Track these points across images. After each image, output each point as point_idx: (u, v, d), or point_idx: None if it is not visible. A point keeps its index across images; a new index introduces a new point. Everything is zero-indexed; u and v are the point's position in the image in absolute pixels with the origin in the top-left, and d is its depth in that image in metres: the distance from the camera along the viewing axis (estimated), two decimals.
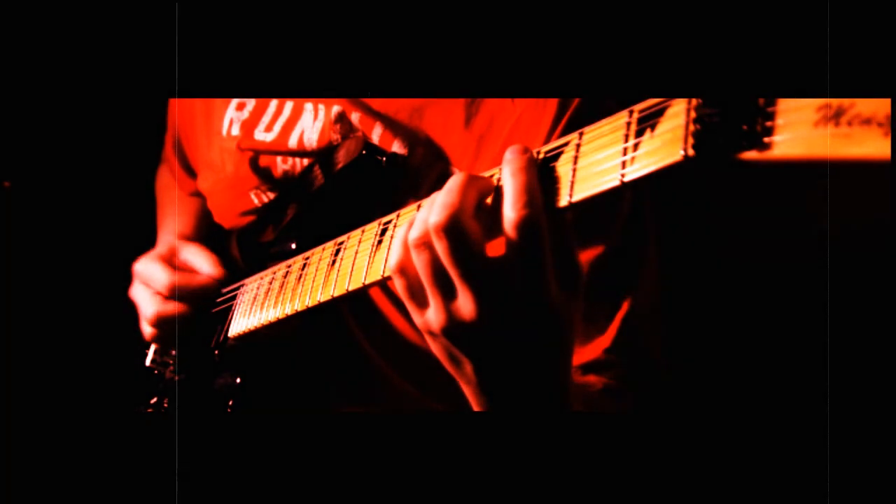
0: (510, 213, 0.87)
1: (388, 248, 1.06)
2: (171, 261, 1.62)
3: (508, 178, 0.89)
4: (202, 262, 1.60)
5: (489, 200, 0.95)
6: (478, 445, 1.12)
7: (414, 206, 1.07)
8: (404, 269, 0.96)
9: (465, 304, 0.90)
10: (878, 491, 1.06)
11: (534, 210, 0.87)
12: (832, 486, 1.05)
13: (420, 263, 0.93)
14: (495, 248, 0.92)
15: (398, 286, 0.98)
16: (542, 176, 0.91)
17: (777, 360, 1.75)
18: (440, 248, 0.90)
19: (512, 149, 0.91)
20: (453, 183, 0.92)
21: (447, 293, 0.92)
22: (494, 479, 1.13)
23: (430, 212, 0.91)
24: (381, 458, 1.21)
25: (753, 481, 1.10)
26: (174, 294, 1.56)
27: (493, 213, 0.93)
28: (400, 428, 1.23)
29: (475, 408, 1.00)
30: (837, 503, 1.06)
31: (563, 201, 0.88)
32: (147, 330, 1.62)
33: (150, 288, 1.60)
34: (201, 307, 1.58)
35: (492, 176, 0.97)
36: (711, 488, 1.11)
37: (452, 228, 0.88)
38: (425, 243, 0.91)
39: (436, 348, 0.98)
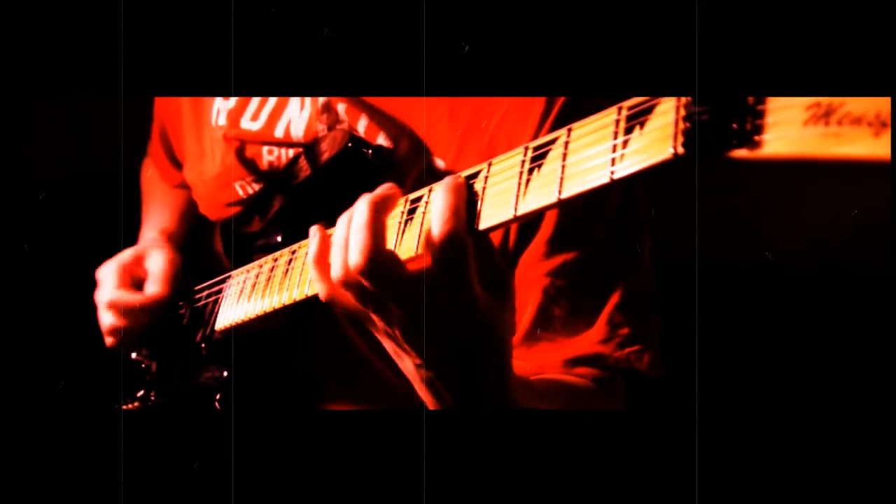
0: (437, 227, 0.93)
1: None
2: (131, 269, 1.63)
3: (439, 196, 0.95)
4: (150, 280, 1.62)
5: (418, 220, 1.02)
6: (474, 443, 1.12)
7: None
8: (335, 298, 1.05)
9: (396, 314, 0.99)
10: (872, 484, 1.07)
11: (458, 225, 0.93)
12: (828, 484, 1.06)
13: (350, 296, 1.01)
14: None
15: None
16: (532, 174, 0.91)
17: (770, 356, 1.75)
18: (364, 285, 0.98)
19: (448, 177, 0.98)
20: (362, 220, 0.98)
21: (379, 307, 1.00)
22: (485, 476, 1.13)
23: (348, 253, 0.98)
24: (372, 455, 1.21)
25: (746, 477, 1.11)
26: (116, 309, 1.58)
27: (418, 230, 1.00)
28: (392, 425, 1.23)
29: (427, 404, 1.07)
30: (835, 498, 1.06)
31: (553, 198, 0.88)
32: (107, 339, 1.64)
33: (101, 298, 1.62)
34: (144, 322, 1.60)
35: (418, 198, 1.02)
36: (705, 485, 1.12)
37: (373, 268, 0.96)
38: (348, 283, 0.99)
39: (383, 344, 1.07)
